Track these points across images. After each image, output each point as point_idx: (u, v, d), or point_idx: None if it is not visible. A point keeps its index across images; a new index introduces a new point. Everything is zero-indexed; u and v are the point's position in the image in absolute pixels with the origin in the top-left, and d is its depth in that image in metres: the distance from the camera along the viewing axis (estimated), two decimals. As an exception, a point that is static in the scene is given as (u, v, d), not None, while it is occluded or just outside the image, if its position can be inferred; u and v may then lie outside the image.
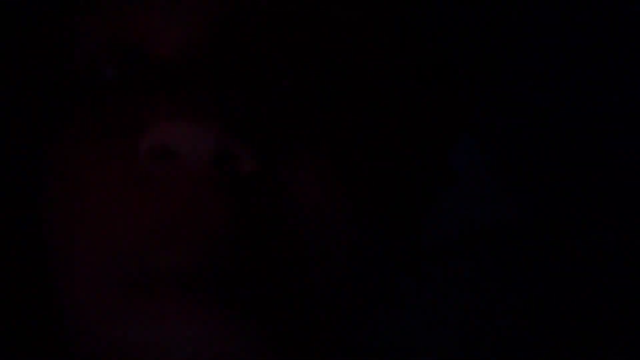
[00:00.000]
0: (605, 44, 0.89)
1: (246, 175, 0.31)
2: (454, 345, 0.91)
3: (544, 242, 0.90)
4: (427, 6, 0.40)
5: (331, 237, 0.33)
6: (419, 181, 0.42)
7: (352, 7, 0.36)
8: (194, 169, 0.30)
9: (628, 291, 0.87)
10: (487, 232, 0.96)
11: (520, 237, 0.93)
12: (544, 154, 0.95)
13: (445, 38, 0.42)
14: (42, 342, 0.34)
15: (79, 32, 0.33)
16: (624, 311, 0.88)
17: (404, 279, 0.47)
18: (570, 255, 0.88)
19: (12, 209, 0.34)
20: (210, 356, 0.30)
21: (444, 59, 0.41)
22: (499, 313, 0.92)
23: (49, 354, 0.34)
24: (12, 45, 0.34)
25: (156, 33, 0.33)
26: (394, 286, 0.44)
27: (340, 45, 0.35)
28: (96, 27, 0.33)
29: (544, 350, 0.89)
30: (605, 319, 0.89)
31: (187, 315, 0.30)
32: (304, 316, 0.33)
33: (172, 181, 0.30)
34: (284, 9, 0.34)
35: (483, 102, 0.45)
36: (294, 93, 0.34)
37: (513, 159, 0.93)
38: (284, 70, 0.34)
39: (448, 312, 0.92)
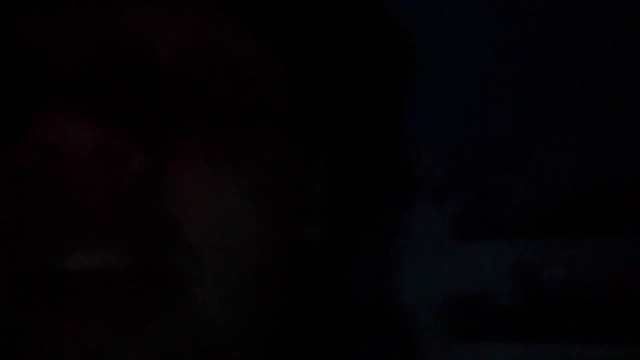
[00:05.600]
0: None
1: (136, 173, 0.31)
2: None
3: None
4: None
5: (226, 236, 0.33)
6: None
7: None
8: (75, 166, 0.30)
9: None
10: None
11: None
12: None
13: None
14: None
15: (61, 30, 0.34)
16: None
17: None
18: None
19: None
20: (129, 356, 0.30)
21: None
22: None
23: None
24: None
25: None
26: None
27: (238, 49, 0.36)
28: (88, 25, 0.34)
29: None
30: None
31: (96, 314, 0.30)
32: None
33: (55, 178, 0.31)
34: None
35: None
36: (187, 92, 0.35)
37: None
38: (179, 69, 0.35)
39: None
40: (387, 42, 0.42)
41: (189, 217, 0.32)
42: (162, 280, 0.31)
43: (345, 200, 0.41)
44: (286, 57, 0.37)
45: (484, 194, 0.95)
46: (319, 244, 0.41)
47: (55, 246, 0.30)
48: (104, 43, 0.33)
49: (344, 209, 0.41)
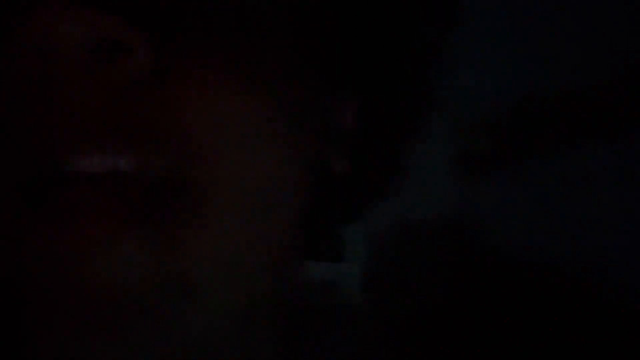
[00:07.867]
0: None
1: (138, 71, 0.29)
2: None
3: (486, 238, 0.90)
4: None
5: (241, 155, 0.31)
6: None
7: None
8: (74, 61, 0.28)
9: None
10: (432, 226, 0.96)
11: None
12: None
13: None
14: None
15: None
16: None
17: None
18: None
19: None
20: (126, 274, 0.28)
21: None
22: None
23: None
24: None
25: None
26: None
27: None
28: None
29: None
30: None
31: (100, 225, 0.28)
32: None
33: (55, 77, 0.28)
34: None
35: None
36: None
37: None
38: None
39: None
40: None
41: (199, 129, 0.30)
42: (174, 190, 0.30)
43: (373, 133, 0.41)
44: None
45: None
46: (347, 176, 0.40)
47: (59, 149, 0.28)
48: None
49: (372, 140, 0.42)
